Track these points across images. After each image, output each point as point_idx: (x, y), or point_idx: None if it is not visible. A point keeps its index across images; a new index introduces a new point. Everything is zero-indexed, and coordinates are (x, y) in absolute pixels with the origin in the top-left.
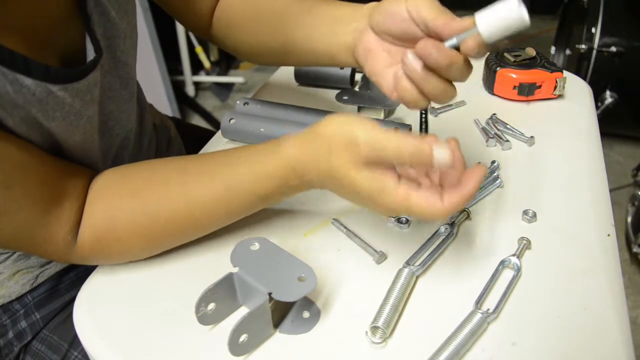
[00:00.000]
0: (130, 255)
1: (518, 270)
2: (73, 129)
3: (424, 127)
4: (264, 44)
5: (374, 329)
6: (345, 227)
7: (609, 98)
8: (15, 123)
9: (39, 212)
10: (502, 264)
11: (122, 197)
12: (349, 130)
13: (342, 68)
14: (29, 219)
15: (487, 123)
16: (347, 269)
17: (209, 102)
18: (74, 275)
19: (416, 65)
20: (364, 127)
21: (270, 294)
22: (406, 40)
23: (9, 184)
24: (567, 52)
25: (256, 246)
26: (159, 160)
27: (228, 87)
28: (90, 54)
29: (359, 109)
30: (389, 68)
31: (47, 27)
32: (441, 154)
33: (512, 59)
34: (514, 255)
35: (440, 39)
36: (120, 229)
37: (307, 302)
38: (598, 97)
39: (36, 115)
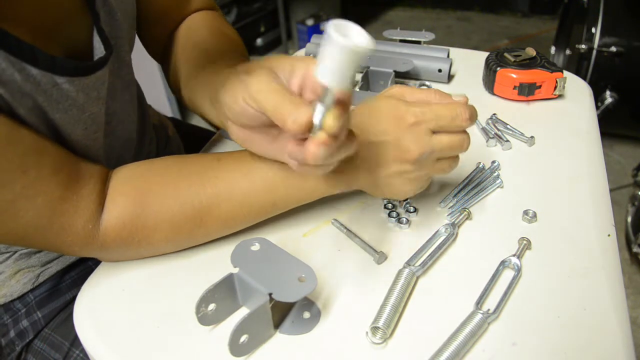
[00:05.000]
0: (152, 246)
1: (518, 270)
2: (75, 123)
3: None
4: (182, 88)
5: (375, 329)
6: (345, 227)
7: (609, 98)
8: (25, 113)
9: (55, 198)
10: (503, 264)
11: (152, 184)
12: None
13: None
14: (46, 205)
15: (487, 123)
16: (347, 269)
17: None
18: (75, 274)
19: (296, 166)
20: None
21: (270, 294)
22: (273, 125)
23: (25, 168)
24: (567, 52)
25: (256, 246)
26: (188, 155)
27: None
28: (98, 52)
29: None
30: (273, 144)
31: (55, 21)
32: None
33: (512, 59)
34: (514, 255)
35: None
36: (149, 215)
37: (308, 303)
38: (598, 97)
39: (42, 105)
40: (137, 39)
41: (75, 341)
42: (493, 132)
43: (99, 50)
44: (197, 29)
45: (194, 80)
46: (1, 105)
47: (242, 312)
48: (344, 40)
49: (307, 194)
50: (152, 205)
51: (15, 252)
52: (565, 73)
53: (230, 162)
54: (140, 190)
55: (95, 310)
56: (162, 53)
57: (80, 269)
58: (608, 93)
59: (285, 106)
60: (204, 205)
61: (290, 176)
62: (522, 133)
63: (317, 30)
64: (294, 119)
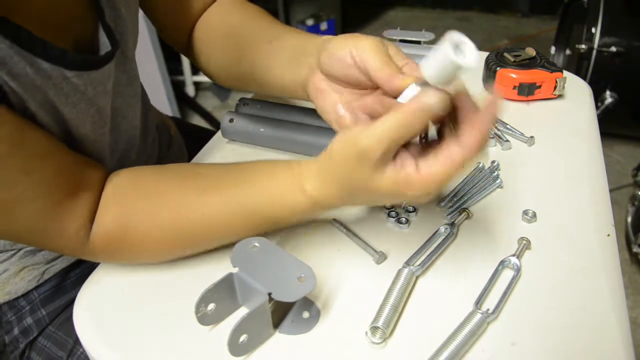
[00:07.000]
0: (138, 259)
1: (518, 270)
2: (83, 117)
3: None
4: (229, 68)
5: (374, 329)
6: (345, 227)
7: (609, 98)
8: (36, 107)
9: (54, 202)
10: (502, 264)
11: (136, 200)
12: (353, 143)
13: None
14: (44, 209)
15: None
16: (347, 269)
17: (209, 102)
18: (80, 272)
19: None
20: (363, 132)
21: (270, 294)
22: (353, 85)
23: (28, 170)
24: (567, 52)
25: (256, 246)
26: (176, 167)
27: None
28: (104, 47)
29: None
30: (356, 102)
31: (62, 18)
32: (434, 97)
33: (512, 59)
34: (513, 255)
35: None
36: (131, 233)
37: (307, 303)
38: (598, 97)
39: (52, 99)
40: (153, 33)
41: (79, 339)
42: (493, 132)
43: (104, 45)
44: (233, 17)
45: (266, 46)
46: (13, 100)
47: (242, 311)
48: (450, 51)
49: (291, 216)
50: (138, 227)
51: (20, 249)
52: (565, 73)
53: (215, 179)
54: (128, 209)
55: (95, 309)
56: (188, 44)
57: (85, 267)
58: (608, 93)
59: (395, 76)
60: (192, 230)
61: (273, 201)
62: (521, 133)
63: (317, 30)
64: (397, 85)
